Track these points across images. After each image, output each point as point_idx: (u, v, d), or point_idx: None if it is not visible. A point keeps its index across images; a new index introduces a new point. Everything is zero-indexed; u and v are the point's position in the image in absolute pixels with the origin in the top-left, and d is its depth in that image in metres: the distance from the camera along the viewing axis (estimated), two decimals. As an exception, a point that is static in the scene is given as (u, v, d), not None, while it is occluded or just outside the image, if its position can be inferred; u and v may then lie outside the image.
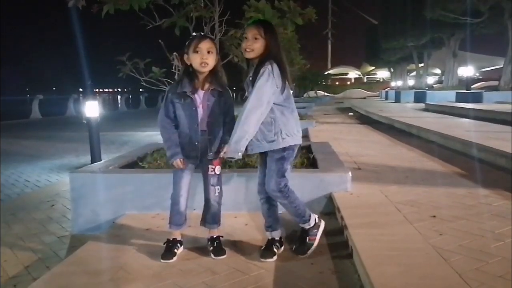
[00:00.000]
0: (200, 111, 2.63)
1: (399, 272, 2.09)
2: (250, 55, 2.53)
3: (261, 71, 2.46)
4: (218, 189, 2.77)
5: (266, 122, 2.53)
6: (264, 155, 2.66)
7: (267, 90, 2.45)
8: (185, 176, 2.72)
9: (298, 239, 2.76)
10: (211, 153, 2.67)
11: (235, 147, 2.46)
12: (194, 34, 2.70)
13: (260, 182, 2.73)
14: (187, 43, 2.62)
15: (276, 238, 2.75)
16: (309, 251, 2.67)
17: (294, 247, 2.73)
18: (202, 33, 2.65)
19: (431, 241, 2.51)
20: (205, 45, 2.56)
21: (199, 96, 2.63)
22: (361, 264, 2.27)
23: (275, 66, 2.47)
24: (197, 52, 2.55)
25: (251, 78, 2.56)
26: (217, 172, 2.74)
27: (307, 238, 2.70)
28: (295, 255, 2.70)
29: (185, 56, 2.61)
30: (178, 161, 2.65)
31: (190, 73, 2.63)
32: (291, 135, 2.59)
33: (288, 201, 2.64)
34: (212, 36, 2.67)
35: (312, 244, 2.69)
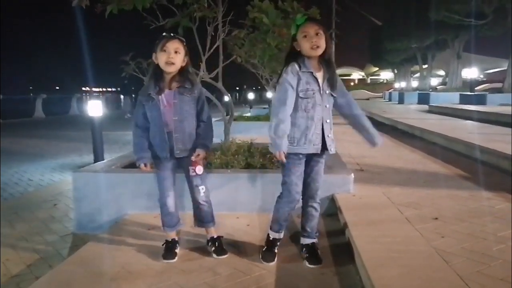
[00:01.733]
0: (166, 110, 2.59)
1: (401, 274, 2.08)
2: (318, 52, 2.43)
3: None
4: (203, 188, 2.74)
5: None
6: (303, 158, 2.56)
7: None
8: (167, 176, 2.72)
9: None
10: (178, 152, 2.62)
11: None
12: (163, 34, 2.67)
13: (299, 191, 2.60)
14: (156, 42, 2.58)
15: (281, 238, 2.74)
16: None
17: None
18: (172, 34, 2.62)
19: (433, 243, 2.50)
20: (172, 45, 2.54)
21: (165, 96, 2.60)
22: (362, 265, 2.26)
23: None
24: (164, 51, 2.52)
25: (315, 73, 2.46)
26: (198, 173, 2.69)
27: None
28: (295, 255, 2.70)
29: (153, 55, 2.59)
30: (142, 165, 2.66)
31: (156, 73, 2.62)
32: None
33: (319, 210, 2.68)
34: (182, 38, 2.63)
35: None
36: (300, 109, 2.46)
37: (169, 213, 2.75)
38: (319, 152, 2.52)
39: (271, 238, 2.72)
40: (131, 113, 6.46)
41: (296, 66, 2.44)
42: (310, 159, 2.57)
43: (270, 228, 2.72)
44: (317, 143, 2.49)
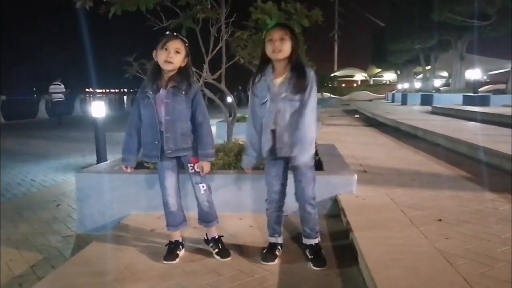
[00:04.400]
0: (160, 109, 2.59)
1: (404, 276, 2.08)
2: (279, 56, 2.48)
3: (312, 74, 2.50)
4: (203, 186, 2.73)
5: None
6: (286, 162, 2.61)
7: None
8: (168, 176, 2.72)
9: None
10: (169, 152, 2.61)
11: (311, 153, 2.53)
12: (167, 33, 2.67)
13: (276, 191, 2.66)
14: (159, 39, 2.59)
15: (279, 242, 2.75)
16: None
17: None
18: (175, 33, 2.63)
19: (437, 245, 2.50)
20: (174, 44, 2.54)
21: (161, 95, 2.59)
22: (366, 267, 2.26)
23: None
24: (165, 49, 2.53)
25: (272, 79, 2.52)
26: (197, 170, 2.68)
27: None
28: (298, 256, 2.69)
29: (154, 52, 2.59)
30: (123, 167, 2.73)
31: (154, 71, 2.62)
32: None
33: (315, 211, 2.67)
34: (185, 38, 2.63)
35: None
36: (260, 116, 2.57)
37: (171, 212, 2.76)
38: (269, 157, 2.59)
39: (270, 242, 2.77)
40: None
41: (253, 78, 2.59)
42: (289, 162, 2.59)
43: (269, 232, 2.78)
44: (266, 148, 2.55)
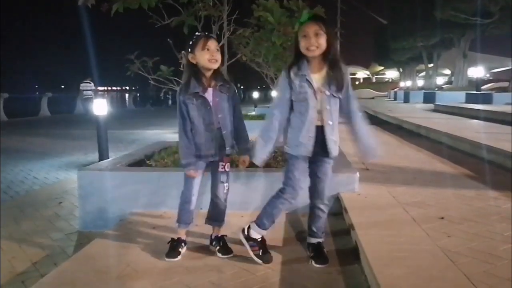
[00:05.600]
0: (213, 108, 2.64)
1: (406, 274, 2.07)
2: (316, 52, 2.39)
3: (347, 69, 2.48)
4: (226, 186, 2.79)
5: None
6: (308, 159, 2.54)
7: None
8: (199, 175, 2.73)
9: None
10: (228, 148, 2.68)
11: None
12: (198, 33, 2.70)
13: (303, 187, 2.58)
14: (191, 42, 2.61)
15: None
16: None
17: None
18: (207, 33, 2.67)
19: (439, 243, 2.49)
20: (213, 43, 2.59)
21: (210, 94, 2.64)
22: (368, 265, 2.25)
23: None
24: (206, 49, 2.55)
25: (310, 73, 2.43)
26: (227, 169, 2.77)
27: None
28: (300, 254, 2.69)
29: (190, 55, 2.61)
30: (191, 172, 2.66)
31: (196, 72, 2.63)
32: None
33: (327, 211, 2.66)
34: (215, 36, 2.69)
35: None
36: (295, 111, 2.47)
37: (189, 210, 2.76)
38: (309, 155, 2.49)
39: (259, 239, 2.61)
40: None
41: (289, 71, 2.45)
42: (316, 159, 2.54)
43: (259, 226, 2.60)
44: (309, 146, 2.46)
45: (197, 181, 2.74)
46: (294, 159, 2.53)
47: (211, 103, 2.62)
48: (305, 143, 2.46)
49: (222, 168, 2.74)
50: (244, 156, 2.75)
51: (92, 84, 18.83)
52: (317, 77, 2.44)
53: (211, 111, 2.62)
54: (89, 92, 18.61)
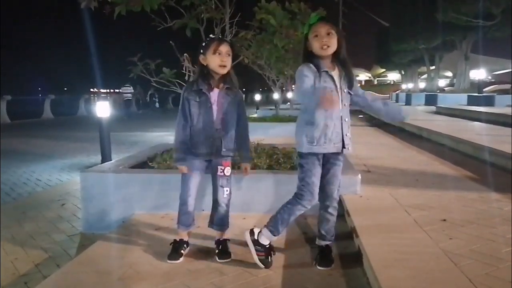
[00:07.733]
0: (215, 108, 2.64)
1: (408, 276, 2.07)
2: (328, 51, 2.41)
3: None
4: (227, 190, 2.76)
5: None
6: (321, 158, 2.52)
7: None
8: (194, 176, 2.72)
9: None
10: (224, 150, 2.68)
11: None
12: (212, 36, 2.72)
13: (318, 190, 2.55)
14: (204, 44, 2.63)
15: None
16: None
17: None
18: (220, 36, 2.70)
19: (441, 245, 2.49)
20: (225, 48, 2.59)
21: (214, 94, 2.65)
22: (370, 267, 2.26)
23: None
24: (217, 54, 2.57)
25: (328, 72, 2.42)
26: (227, 174, 2.74)
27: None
28: (303, 256, 2.70)
29: (201, 57, 2.63)
30: (183, 167, 2.68)
31: (205, 73, 2.64)
32: None
33: (336, 213, 2.64)
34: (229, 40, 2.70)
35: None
36: (319, 107, 2.37)
37: (188, 212, 2.76)
38: (340, 151, 2.49)
39: (267, 245, 2.56)
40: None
41: (312, 65, 2.42)
42: (327, 161, 2.54)
43: (272, 233, 2.55)
44: (337, 142, 2.47)
45: (194, 182, 2.73)
46: (310, 162, 2.48)
47: (214, 103, 2.64)
48: (334, 140, 2.45)
49: (221, 172, 2.73)
50: (245, 164, 2.81)
51: (131, 87, 22.09)
52: (334, 74, 2.46)
53: (212, 111, 2.63)
54: (128, 95, 19.88)
